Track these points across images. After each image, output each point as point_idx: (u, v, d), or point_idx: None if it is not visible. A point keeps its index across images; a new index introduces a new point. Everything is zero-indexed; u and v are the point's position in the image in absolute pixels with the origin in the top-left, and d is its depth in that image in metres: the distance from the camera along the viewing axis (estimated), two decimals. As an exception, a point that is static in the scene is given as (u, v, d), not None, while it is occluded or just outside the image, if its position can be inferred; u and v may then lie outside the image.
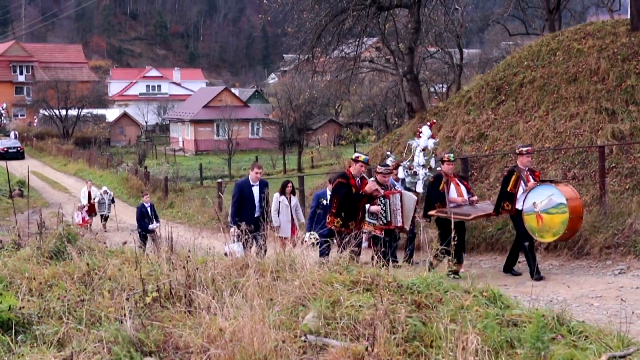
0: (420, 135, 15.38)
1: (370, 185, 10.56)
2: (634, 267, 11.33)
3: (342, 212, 10.55)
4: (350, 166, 10.87)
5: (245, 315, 5.11)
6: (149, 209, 19.55)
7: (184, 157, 62.11)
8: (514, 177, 11.61)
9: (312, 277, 6.52)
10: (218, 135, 62.62)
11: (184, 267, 6.57)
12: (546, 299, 10.13)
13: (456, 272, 11.56)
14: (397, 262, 12.58)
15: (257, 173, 12.52)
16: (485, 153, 17.27)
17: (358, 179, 10.64)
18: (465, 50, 57.22)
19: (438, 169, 13.98)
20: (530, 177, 11.57)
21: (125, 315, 5.44)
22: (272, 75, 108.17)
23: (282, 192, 14.16)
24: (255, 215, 12.25)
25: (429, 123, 15.81)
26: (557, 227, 10.91)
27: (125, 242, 9.12)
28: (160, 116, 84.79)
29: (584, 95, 16.52)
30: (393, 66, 25.38)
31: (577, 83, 17.00)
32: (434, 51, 29.63)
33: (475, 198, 12.32)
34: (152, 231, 18.06)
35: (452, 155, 12.46)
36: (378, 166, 12.33)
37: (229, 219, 12.58)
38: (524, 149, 11.78)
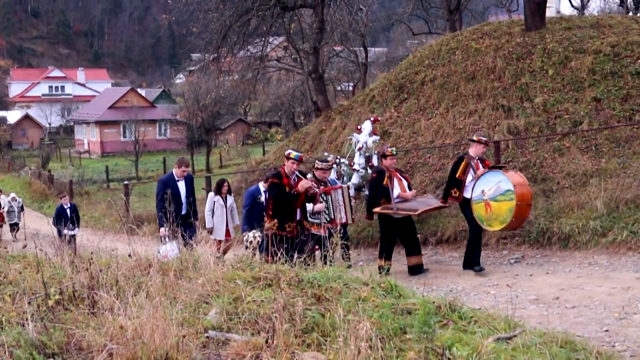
0: (361, 130, 14.75)
1: (303, 183, 10.02)
2: (528, 256, 11.89)
3: (277, 213, 10.07)
4: (284, 165, 10.43)
5: (148, 313, 5.19)
6: (68, 211, 18.93)
7: (90, 159, 60.83)
8: (462, 164, 11.34)
9: (215, 275, 6.64)
10: (125, 136, 61.61)
11: (87, 270, 6.56)
12: (446, 289, 10.55)
13: (419, 267, 11.72)
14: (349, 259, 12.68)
15: (183, 171, 11.90)
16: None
17: (293, 177, 10.21)
18: (371, 49, 58.13)
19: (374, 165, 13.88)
20: (480, 165, 11.34)
21: (27, 319, 5.42)
22: (180, 75, 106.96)
23: (218, 191, 13.73)
24: (182, 213, 11.62)
25: (372, 119, 15.00)
26: (504, 215, 10.68)
27: (25, 246, 8.98)
28: (64, 118, 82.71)
29: (481, 92, 17.13)
30: (299, 65, 25.60)
31: (475, 81, 17.61)
32: (339, 50, 29.97)
33: (414, 192, 11.94)
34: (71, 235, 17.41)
35: (394, 149, 12.08)
36: (317, 161, 11.73)
37: (158, 220, 11.95)
38: (484, 138, 11.59)
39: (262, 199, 12.32)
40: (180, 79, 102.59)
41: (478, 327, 5.33)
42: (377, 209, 11.53)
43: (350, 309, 5.61)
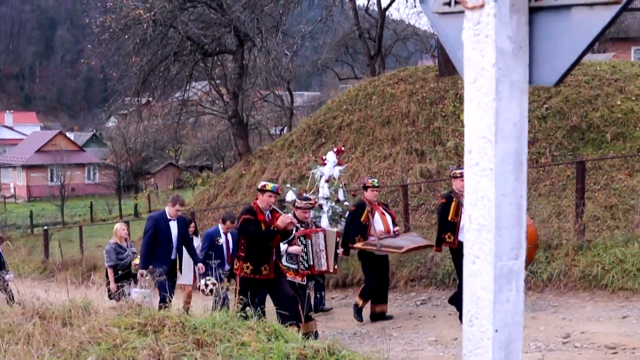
0: (325, 162, 13.64)
1: (283, 218, 8.78)
2: (434, 297, 12.07)
3: (252, 255, 8.87)
4: (257, 199, 9.21)
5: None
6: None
7: (16, 204, 59.44)
8: (453, 204, 10.08)
9: (98, 321, 6.60)
10: (52, 180, 60.51)
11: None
12: (351, 332, 10.63)
13: (382, 314, 10.89)
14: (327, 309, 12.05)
15: (177, 210, 10.58)
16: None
17: (267, 212, 8.99)
18: (304, 93, 58.68)
19: (346, 203, 12.98)
20: None
21: None
22: (113, 118, 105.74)
23: None
24: (172, 257, 10.64)
25: (335, 149, 14.06)
26: None
27: None
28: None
29: (396, 137, 17.49)
30: (223, 110, 25.73)
31: (390, 125, 17.99)
32: (265, 94, 30.25)
33: (397, 229, 10.90)
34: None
35: (375, 180, 11.11)
36: (297, 200, 10.41)
37: (140, 261, 10.66)
38: (458, 171, 10.36)
39: (221, 241, 11.43)
40: (113, 122, 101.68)
41: (352, 371, 5.42)
42: (358, 245, 10.55)
43: (229, 353, 5.65)
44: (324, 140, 19.27)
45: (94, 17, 21.39)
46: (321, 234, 10.05)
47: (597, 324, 9.13)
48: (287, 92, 32.67)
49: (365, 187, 10.92)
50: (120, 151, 49.71)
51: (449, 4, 2.19)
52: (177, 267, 11.12)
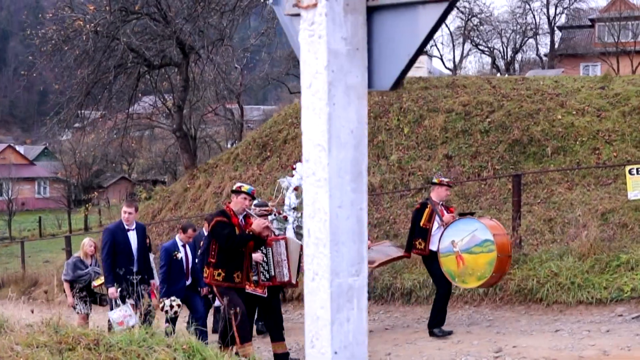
0: (294, 173, 13.11)
1: (259, 222, 8.12)
2: (372, 312, 11.94)
3: (223, 261, 8.21)
4: (229, 202, 8.67)
5: None
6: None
7: (-38, 219, 58.15)
8: (427, 211, 9.86)
9: (8, 340, 6.38)
10: (1, 195, 59.29)
11: None
12: (296, 347, 10.40)
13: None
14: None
15: (127, 213, 9.98)
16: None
17: (241, 216, 8.41)
18: (261, 107, 58.46)
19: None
20: (445, 212, 9.92)
21: None
22: (67, 131, 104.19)
23: None
24: (134, 270, 9.88)
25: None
26: (482, 269, 9.20)
27: None
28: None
29: (340, 150, 17.39)
30: (170, 123, 25.43)
31: (335, 139, 17.89)
32: (214, 108, 29.99)
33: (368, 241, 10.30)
34: None
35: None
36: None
37: (105, 277, 10.07)
38: (445, 179, 10.22)
39: (180, 255, 10.29)
40: (67, 136, 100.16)
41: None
42: None
43: (139, 372, 5.48)
44: (268, 154, 19.10)
45: (36, 29, 20.94)
46: (282, 242, 9.30)
47: (530, 338, 9.11)
48: (238, 105, 32.43)
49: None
50: (71, 165, 48.87)
51: (296, 5, 2.05)
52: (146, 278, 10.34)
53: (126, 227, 9.96)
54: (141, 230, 10.28)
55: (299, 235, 11.97)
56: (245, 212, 8.43)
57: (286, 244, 9.29)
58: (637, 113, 15.80)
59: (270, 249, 9.14)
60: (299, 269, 9.42)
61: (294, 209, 12.59)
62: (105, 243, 9.94)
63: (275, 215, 12.04)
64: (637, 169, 11.49)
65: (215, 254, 8.24)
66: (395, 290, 12.04)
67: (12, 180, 51.91)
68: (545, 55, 46.64)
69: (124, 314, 9.63)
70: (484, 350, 8.75)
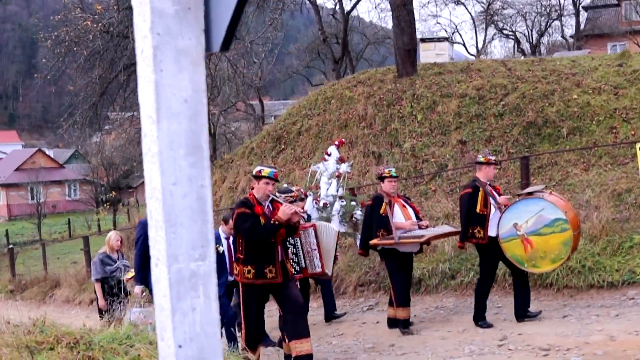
0: (327, 158, 12.15)
1: (285, 209, 7.28)
2: (382, 302, 11.72)
3: (252, 255, 7.44)
4: (252, 188, 7.76)
5: None
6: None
7: (-4, 223, 58.98)
8: (481, 195, 8.94)
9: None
10: (32, 199, 59.94)
11: None
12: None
13: (405, 321, 9.46)
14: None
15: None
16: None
17: (267, 203, 7.56)
18: (289, 102, 58.35)
19: (352, 203, 11.67)
20: (495, 193, 9.12)
21: None
22: (98, 134, 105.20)
23: None
24: None
25: (337, 142, 12.60)
26: (556, 251, 8.45)
27: None
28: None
29: (353, 140, 17.18)
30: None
31: (348, 129, 17.68)
32: (233, 103, 29.88)
33: (425, 223, 9.55)
34: None
35: (392, 170, 9.58)
36: (277, 193, 8.79)
37: (134, 275, 9.41)
38: (492, 157, 9.27)
39: (222, 248, 9.46)
40: (98, 138, 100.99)
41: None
42: (374, 241, 9.22)
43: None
44: (283, 147, 18.94)
45: (47, 32, 20.97)
46: (311, 230, 8.42)
47: (536, 325, 8.83)
48: (258, 101, 32.32)
49: (382, 178, 9.43)
50: (99, 167, 49.29)
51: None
52: None
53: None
54: None
55: (342, 224, 11.71)
56: (270, 198, 7.55)
57: (316, 232, 8.43)
58: (655, 89, 15.35)
59: (298, 238, 8.31)
60: (335, 258, 8.70)
61: (340, 197, 11.94)
62: (139, 237, 9.15)
63: (315, 204, 11.64)
64: (648, 145, 11.11)
65: (243, 249, 7.47)
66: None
67: (41, 183, 52.51)
68: (571, 36, 45.78)
69: (142, 318, 8.86)
70: (488, 339, 8.49)
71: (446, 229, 9.85)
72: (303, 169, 17.46)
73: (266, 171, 7.50)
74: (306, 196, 11.29)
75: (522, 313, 9.12)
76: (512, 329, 8.75)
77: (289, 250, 8.14)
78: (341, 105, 18.63)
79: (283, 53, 44.53)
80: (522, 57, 43.10)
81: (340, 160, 12.14)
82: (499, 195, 9.12)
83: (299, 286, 8.29)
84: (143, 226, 9.03)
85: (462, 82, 17.67)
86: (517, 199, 8.84)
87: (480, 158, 9.20)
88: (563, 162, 14.41)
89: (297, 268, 8.28)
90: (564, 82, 16.43)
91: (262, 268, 7.34)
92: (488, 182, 9.11)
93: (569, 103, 15.61)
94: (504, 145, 15.43)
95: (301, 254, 8.37)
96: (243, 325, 7.68)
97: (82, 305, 18.32)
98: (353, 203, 12.04)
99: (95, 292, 10.84)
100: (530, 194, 8.80)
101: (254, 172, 7.65)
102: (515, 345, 8.03)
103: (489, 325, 8.97)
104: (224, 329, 9.73)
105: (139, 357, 5.82)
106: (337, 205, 11.74)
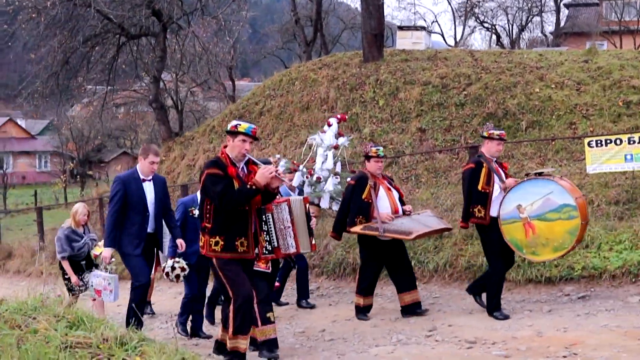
0: (325, 129, 11.38)
1: (264, 171, 6.22)
2: (323, 287, 11.58)
3: (223, 226, 6.43)
4: (225, 147, 6.63)
5: None
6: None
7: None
8: (484, 171, 8.32)
9: None
10: (1, 168, 59.28)
11: None
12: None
13: (416, 305, 9.03)
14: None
15: (152, 163, 8.02)
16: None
17: (242, 164, 6.54)
18: (259, 83, 57.93)
19: (348, 179, 9.97)
20: (501, 171, 8.58)
21: None
22: (75, 106, 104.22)
23: None
24: (148, 231, 8.07)
25: (339, 116, 11.75)
26: (560, 239, 7.89)
27: None
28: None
29: (313, 123, 16.95)
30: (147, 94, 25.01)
31: (309, 111, 17.47)
32: (202, 81, 29.44)
33: (408, 208, 9.03)
34: None
35: (380, 149, 8.93)
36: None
37: (105, 234, 8.21)
38: (495, 132, 8.55)
39: (198, 212, 7.83)
40: (75, 110, 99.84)
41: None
42: (355, 228, 8.67)
43: (8, 342, 5.17)
44: (243, 126, 18.68)
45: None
46: (284, 206, 6.97)
47: (468, 317, 8.72)
48: (230, 80, 31.98)
49: (368, 157, 8.83)
50: (71, 139, 48.83)
51: None
52: (157, 243, 8.35)
53: (141, 176, 8.03)
54: (160, 183, 8.25)
55: (336, 202, 10.94)
56: (247, 159, 6.55)
57: (289, 207, 7.00)
58: (617, 87, 15.18)
59: (270, 214, 6.90)
60: (311, 231, 7.32)
61: (336, 174, 11.21)
62: (115, 193, 7.97)
63: (306, 177, 10.98)
64: (596, 141, 10.97)
65: (211, 217, 6.45)
66: (347, 265, 11.60)
67: (10, 153, 51.94)
68: (551, 33, 45.76)
69: (105, 285, 8.38)
70: (417, 329, 8.35)
71: (434, 222, 9.04)
72: (261, 149, 17.23)
73: (243, 126, 6.50)
74: (310, 174, 10.90)
75: (475, 291, 8.98)
76: (444, 320, 8.62)
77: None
78: (304, 87, 18.40)
79: (262, 34, 44.24)
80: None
81: (339, 134, 11.50)
82: (506, 174, 8.60)
83: (270, 268, 7.72)
84: (121, 181, 8.03)
85: (427, 69, 17.46)
86: (525, 179, 8.28)
87: (484, 133, 8.67)
88: (520, 155, 14.25)
89: (269, 248, 7.00)
90: (528, 75, 16.27)
91: (232, 240, 6.43)
92: (495, 159, 8.54)
93: (531, 96, 15.46)
94: (463, 135, 15.27)
95: (273, 232, 6.96)
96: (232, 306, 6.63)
97: (32, 277, 18.03)
98: (349, 179, 11.33)
99: (61, 269, 9.90)
100: (539, 174, 8.22)
101: (228, 127, 6.63)
102: (442, 336, 7.89)
103: (506, 317, 8.32)
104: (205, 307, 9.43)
105: (36, 331, 5.60)
106: (329, 183, 11.06)
